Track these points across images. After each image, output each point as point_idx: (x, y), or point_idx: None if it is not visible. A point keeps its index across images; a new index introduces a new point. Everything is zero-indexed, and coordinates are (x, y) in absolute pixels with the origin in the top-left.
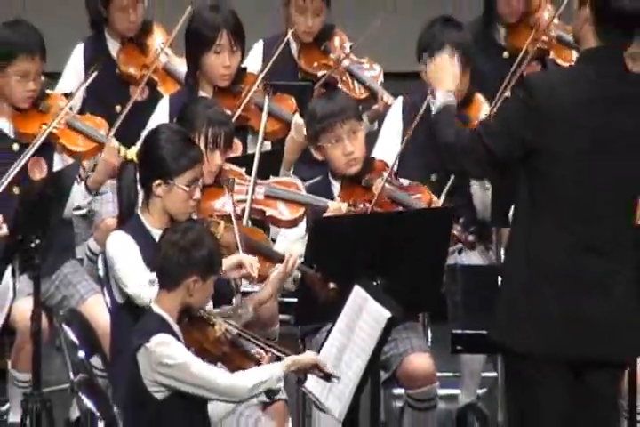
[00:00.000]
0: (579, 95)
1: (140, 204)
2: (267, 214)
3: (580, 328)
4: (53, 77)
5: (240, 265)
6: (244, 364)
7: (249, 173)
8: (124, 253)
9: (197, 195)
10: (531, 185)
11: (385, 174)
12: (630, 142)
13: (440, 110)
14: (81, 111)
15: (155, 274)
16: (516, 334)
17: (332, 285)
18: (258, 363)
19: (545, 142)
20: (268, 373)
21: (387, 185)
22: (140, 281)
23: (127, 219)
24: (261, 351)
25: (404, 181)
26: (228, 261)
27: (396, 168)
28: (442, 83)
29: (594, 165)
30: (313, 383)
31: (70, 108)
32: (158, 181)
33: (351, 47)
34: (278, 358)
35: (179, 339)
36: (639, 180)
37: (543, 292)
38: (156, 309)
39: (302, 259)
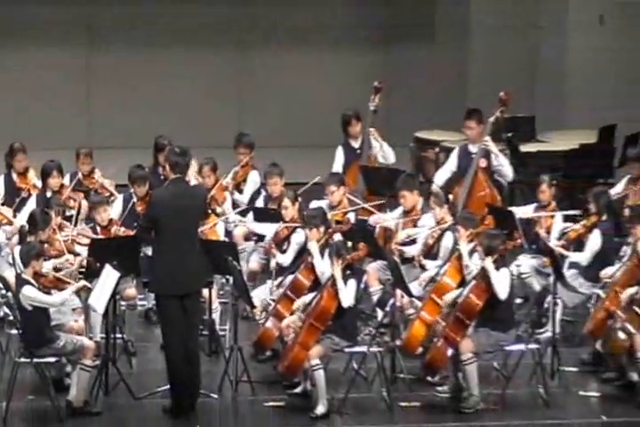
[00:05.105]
0: (167, 193)
1: None
2: (77, 240)
3: (175, 280)
4: None
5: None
6: (65, 287)
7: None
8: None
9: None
10: (156, 234)
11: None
12: (190, 211)
13: None
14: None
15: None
16: (155, 286)
17: (98, 264)
18: (69, 284)
19: (157, 217)
20: (62, 296)
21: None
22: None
23: None
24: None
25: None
26: (68, 256)
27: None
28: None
29: (174, 221)
30: (92, 298)
31: None
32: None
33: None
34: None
35: (33, 285)
36: (197, 225)
37: (160, 267)
38: (25, 276)
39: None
